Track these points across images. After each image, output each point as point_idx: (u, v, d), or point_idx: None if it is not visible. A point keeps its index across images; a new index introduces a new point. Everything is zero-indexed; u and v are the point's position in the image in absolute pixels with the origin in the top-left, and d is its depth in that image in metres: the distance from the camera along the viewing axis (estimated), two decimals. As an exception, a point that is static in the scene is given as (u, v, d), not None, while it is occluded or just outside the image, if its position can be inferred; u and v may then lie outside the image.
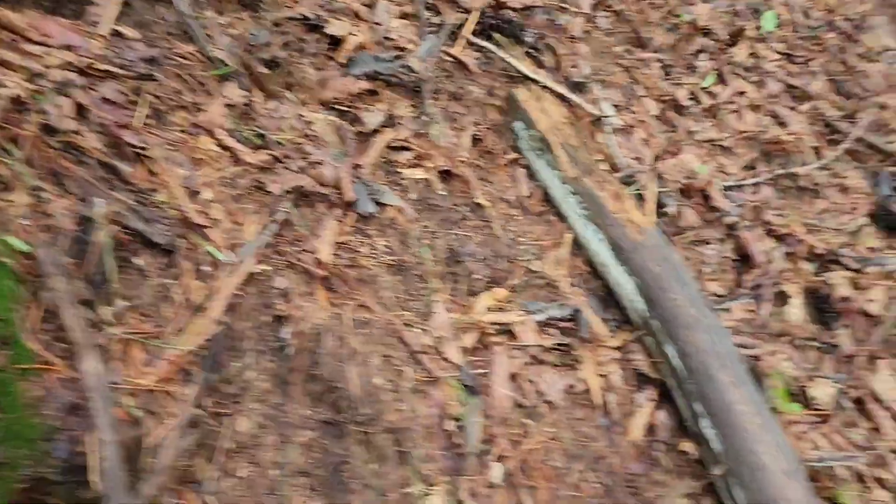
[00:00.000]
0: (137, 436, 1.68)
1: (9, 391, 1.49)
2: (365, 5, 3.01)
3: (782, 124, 3.61)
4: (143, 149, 2.06)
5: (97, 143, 1.97)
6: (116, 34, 2.36)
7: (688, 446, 2.36)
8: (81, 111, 2.02)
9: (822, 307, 2.96)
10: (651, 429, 2.41)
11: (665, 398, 2.47)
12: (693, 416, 2.34)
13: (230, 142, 2.30)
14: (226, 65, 2.50)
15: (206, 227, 2.02)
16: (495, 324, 2.40)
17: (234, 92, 2.47)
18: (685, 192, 3.04)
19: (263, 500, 1.82)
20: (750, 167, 3.40)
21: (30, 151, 1.80)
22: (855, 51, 4.39)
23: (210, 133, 2.29)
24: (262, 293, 2.02)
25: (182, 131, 2.25)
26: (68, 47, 2.18)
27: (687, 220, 2.95)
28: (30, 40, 2.10)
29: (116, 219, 1.85)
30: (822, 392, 2.57)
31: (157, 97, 2.26)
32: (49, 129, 1.88)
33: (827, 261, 3.13)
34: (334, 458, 1.94)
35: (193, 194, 2.09)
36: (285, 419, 1.94)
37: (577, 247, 2.77)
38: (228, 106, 2.42)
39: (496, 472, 2.13)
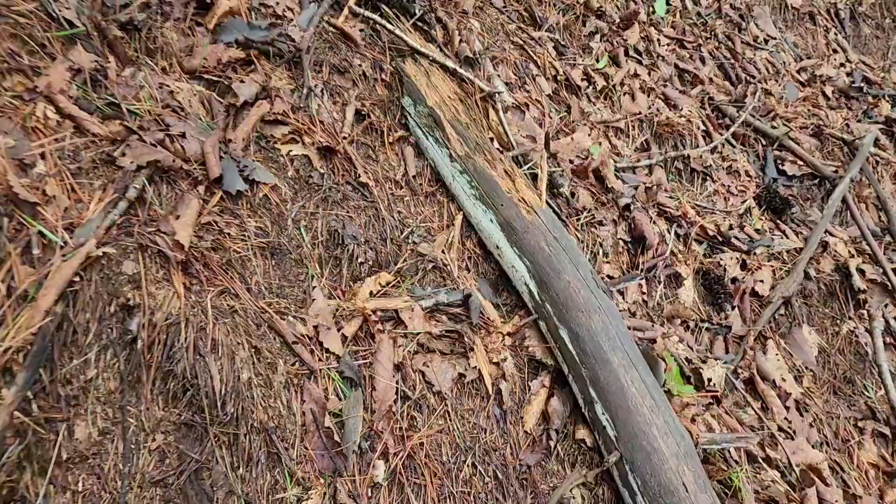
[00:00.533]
0: (-58, 449, 1.41)
1: None
2: (239, -31, 2.76)
3: (674, 107, 3.61)
4: (-40, 114, 1.76)
5: None
6: (-65, -15, 2.05)
7: (583, 434, 2.27)
8: None
9: (714, 288, 2.95)
10: (546, 417, 2.30)
11: (560, 385, 2.37)
12: (587, 401, 2.25)
13: (74, 110, 2.02)
14: (73, 25, 2.21)
15: (37, 203, 1.74)
16: (380, 310, 2.23)
17: (82, 56, 2.18)
18: (579, 172, 2.96)
19: (106, 516, 1.58)
20: (642, 149, 3.37)
21: None
22: (741, 38, 4.47)
23: (50, 99, 2.01)
24: (107, 280, 1.76)
25: (15, 96, 1.96)
26: None
27: (581, 202, 2.86)
28: None
29: (-81, 193, 1.56)
30: (715, 373, 2.54)
31: (-14, 59, 1.96)
32: None
33: (718, 242, 3.13)
34: (192, 463, 1.72)
35: (24, 167, 1.80)
36: (134, 422, 1.70)
37: (468, 228, 2.63)
38: (74, 71, 2.13)
39: (380, 470, 1.96)
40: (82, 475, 1.60)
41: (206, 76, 2.43)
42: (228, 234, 2.07)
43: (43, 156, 1.86)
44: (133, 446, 1.67)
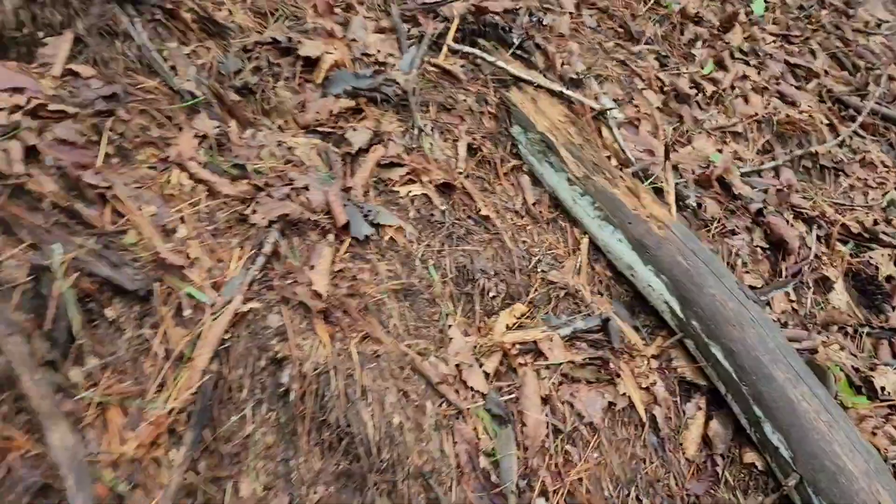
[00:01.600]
0: (121, 515, 1.42)
1: (-43, 478, 1.24)
2: (339, 24, 2.83)
3: (792, 104, 3.42)
4: (106, 188, 1.83)
5: (53, 186, 1.75)
6: (71, 73, 2.17)
7: (752, 457, 2.10)
8: (33, 154, 1.80)
9: (868, 289, 2.72)
10: (707, 442, 2.15)
11: (717, 406, 2.21)
12: (753, 422, 2.08)
13: (205, 174, 2.08)
14: (194, 96, 2.30)
15: (183, 266, 1.78)
16: (518, 343, 2.16)
17: (205, 123, 2.26)
18: (702, 182, 2.82)
19: (278, 573, 1.56)
20: (765, 151, 3.19)
21: (-28, 200, 1.57)
22: (851, 25, 4.22)
23: (182, 167, 2.07)
24: (254, 335, 1.77)
25: (150, 168, 2.03)
26: (16, 90, 1.97)
27: (709, 212, 2.72)
28: (-30, 86, 1.90)
29: (79, 266, 1.61)
30: (888, 381, 2.31)
31: (120, 134, 2.05)
32: (-5, 174, 1.66)
33: (864, 240, 2.90)
34: (355, 514, 1.68)
35: (167, 233, 1.86)
36: (295, 475, 1.67)
37: (596, 251, 2.53)
38: (200, 138, 2.21)
39: (541, 509, 1.86)
40: (251, 532, 1.58)
41: (319, 129, 2.48)
42: (362, 279, 2.06)
43: (182, 220, 1.91)
44: (297, 500, 1.64)
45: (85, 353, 1.57)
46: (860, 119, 3.43)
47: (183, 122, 2.24)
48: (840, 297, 2.66)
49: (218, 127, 2.28)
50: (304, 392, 1.74)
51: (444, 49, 2.89)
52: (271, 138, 2.36)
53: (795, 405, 2.00)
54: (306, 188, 2.21)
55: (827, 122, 3.40)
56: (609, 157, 2.68)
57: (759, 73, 3.52)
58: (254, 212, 2.05)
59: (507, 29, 2.99)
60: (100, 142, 1.98)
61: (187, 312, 1.72)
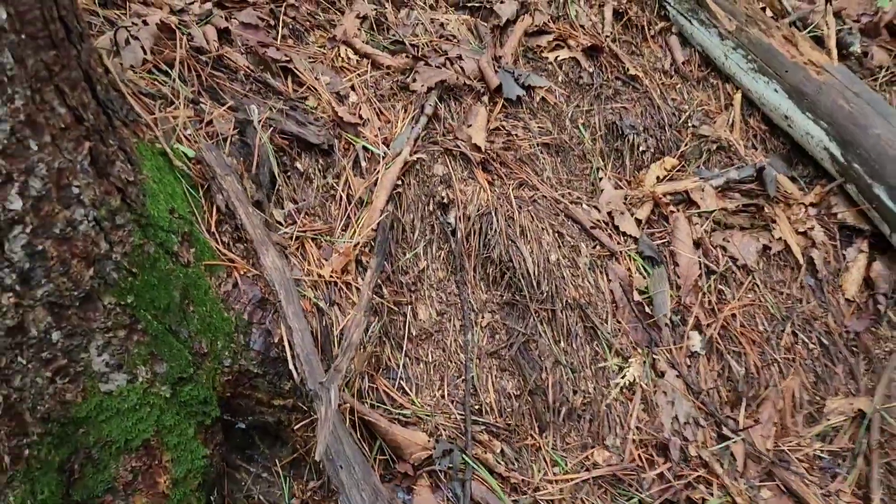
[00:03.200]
0: (325, 325, 1.68)
1: (199, 285, 1.53)
2: None
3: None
4: (287, 62, 2.07)
5: (244, 61, 2.00)
6: (246, -32, 2.41)
7: (918, 294, 2.07)
8: (225, 35, 2.06)
9: None
10: (869, 283, 2.13)
11: (881, 249, 2.18)
12: (919, 259, 2.04)
13: (368, 49, 2.27)
14: (353, -18, 2.48)
15: (358, 124, 1.99)
16: (669, 193, 2.22)
17: (364, 6, 2.44)
18: (868, 30, 2.67)
19: (454, 383, 1.78)
20: (944, -6, 2.93)
21: (184, 71, 1.85)
22: None
23: (348, 44, 2.27)
24: (422, 182, 1.97)
25: (321, 46, 2.25)
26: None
27: (876, 59, 2.58)
28: (168, -17, 2.18)
29: (272, 124, 1.86)
30: None
31: (292, 19, 2.27)
32: (198, 51, 1.93)
33: None
34: (520, 337, 1.86)
35: (341, 98, 2.07)
36: (465, 304, 1.88)
37: (749, 106, 2.50)
38: (361, 19, 2.39)
39: (695, 340, 1.96)
40: (430, 349, 1.81)
41: (468, 5, 2.58)
42: (516, 135, 2.19)
43: (353, 87, 2.12)
44: (467, 324, 1.85)
45: (283, 199, 1.83)
46: None
47: (344, 6, 2.43)
48: None
49: (375, 9, 2.45)
50: (468, 232, 1.93)
51: (587, -83, 2.87)
52: (424, 16, 2.50)
53: (967, 239, 1.94)
54: (459, 58, 2.35)
55: None
56: (763, 9, 2.60)
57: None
58: (413, 80, 2.22)
59: None
60: (277, 26, 2.21)
61: (363, 164, 1.94)
